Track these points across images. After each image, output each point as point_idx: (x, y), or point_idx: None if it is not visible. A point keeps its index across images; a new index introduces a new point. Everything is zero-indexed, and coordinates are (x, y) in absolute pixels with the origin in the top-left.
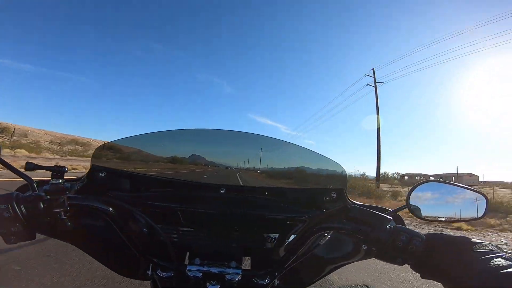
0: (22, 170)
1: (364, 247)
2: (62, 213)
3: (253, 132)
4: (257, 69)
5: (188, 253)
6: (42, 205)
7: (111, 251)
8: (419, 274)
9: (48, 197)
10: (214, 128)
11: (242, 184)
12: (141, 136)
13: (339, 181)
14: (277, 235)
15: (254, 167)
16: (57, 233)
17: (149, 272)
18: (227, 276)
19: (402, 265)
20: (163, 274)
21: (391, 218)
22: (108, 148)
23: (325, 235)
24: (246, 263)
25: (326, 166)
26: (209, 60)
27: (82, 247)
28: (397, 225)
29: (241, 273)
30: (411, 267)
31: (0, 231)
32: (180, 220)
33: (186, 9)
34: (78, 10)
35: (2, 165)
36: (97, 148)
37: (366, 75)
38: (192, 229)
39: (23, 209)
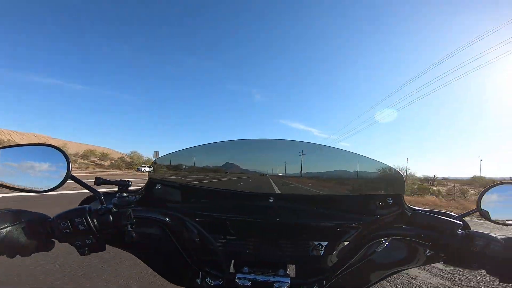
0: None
1: (428, 252)
2: (129, 225)
3: (289, 139)
4: (288, 74)
5: (233, 261)
6: (111, 218)
7: (164, 260)
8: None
9: (116, 210)
10: (252, 137)
11: (279, 192)
12: (191, 148)
13: (395, 186)
14: (326, 242)
15: (296, 172)
16: (123, 244)
17: (198, 281)
18: (276, 285)
19: (478, 270)
20: (213, 283)
21: (461, 223)
22: (162, 161)
23: (382, 242)
24: (291, 271)
25: (379, 170)
26: (237, 69)
27: (139, 256)
28: (471, 230)
29: (289, 281)
30: (487, 272)
31: (75, 243)
32: (228, 229)
33: (210, 21)
34: (104, 25)
35: (73, 180)
36: (153, 162)
37: None
38: (239, 238)
39: (95, 221)
